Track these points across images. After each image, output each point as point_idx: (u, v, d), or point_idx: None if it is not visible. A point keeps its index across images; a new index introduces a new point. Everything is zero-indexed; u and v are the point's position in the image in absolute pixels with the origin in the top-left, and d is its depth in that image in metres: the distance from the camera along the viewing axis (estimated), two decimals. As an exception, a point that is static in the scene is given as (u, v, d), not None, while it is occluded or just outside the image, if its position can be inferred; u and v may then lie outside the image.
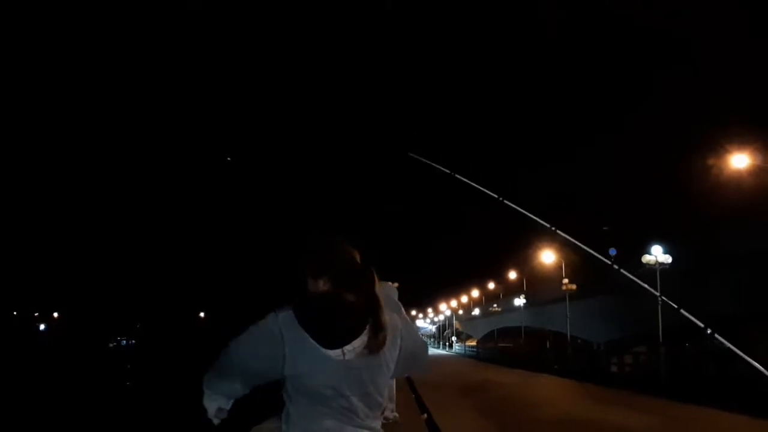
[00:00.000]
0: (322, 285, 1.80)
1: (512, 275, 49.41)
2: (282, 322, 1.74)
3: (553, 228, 2.95)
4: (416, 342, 1.99)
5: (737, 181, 17.93)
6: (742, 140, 17.46)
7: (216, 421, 1.92)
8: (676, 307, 3.48)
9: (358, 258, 1.89)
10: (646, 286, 3.29)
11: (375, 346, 1.77)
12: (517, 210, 3.09)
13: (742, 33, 29.14)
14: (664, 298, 3.53)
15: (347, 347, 1.74)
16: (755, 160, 16.84)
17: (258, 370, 1.79)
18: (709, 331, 2.98)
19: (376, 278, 1.84)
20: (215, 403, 1.90)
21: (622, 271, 3.22)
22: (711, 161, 18.45)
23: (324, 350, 1.72)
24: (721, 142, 17.98)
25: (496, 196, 2.82)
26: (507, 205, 2.98)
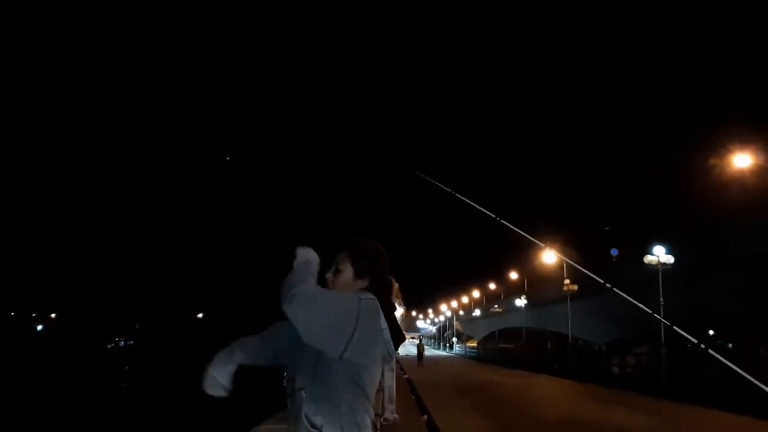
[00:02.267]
0: (361, 284, 1.85)
1: (513, 276, 49.37)
2: (364, 307, 1.72)
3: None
4: None
5: (738, 180, 17.89)
6: (742, 140, 17.43)
7: (217, 391, 1.83)
8: (669, 324, 3.41)
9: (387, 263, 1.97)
10: (640, 305, 3.22)
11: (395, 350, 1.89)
12: (514, 230, 3.08)
13: (742, 33, 29.13)
14: (656, 315, 3.46)
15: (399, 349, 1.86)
16: (756, 159, 16.78)
17: (321, 334, 1.68)
18: (702, 346, 2.92)
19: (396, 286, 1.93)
20: (230, 367, 1.84)
21: (607, 285, 3.16)
22: (712, 161, 18.42)
23: (392, 350, 1.78)
24: (721, 142, 17.95)
25: (493, 215, 2.80)
26: (504, 224, 2.96)
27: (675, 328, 3.20)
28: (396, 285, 1.92)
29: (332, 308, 1.71)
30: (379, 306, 1.76)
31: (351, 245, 1.91)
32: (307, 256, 1.84)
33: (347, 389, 1.70)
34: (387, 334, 1.76)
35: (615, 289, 3.35)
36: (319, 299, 1.72)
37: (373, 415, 1.79)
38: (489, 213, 2.79)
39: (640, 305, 3.07)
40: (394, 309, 1.86)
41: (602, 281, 3.36)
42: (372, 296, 1.77)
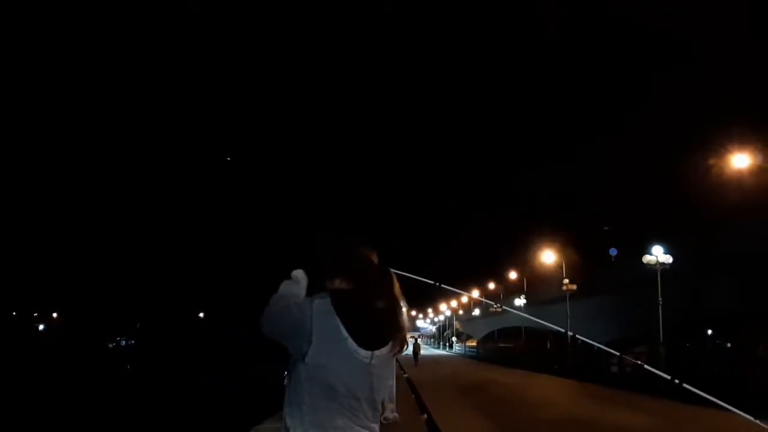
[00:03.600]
0: (338, 284, 1.81)
1: (512, 275, 49.43)
2: (316, 308, 1.72)
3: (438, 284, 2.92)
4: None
5: (737, 181, 17.90)
6: (742, 140, 17.45)
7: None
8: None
9: (375, 258, 1.88)
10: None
11: (397, 349, 1.79)
12: (454, 290, 3.15)
13: (742, 33, 29.15)
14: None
15: (377, 352, 1.74)
16: (755, 159, 16.81)
17: (284, 340, 1.75)
18: (677, 381, 2.93)
19: (395, 279, 1.85)
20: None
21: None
22: (711, 161, 18.42)
23: (355, 348, 1.71)
24: (721, 142, 17.97)
25: (432, 282, 2.86)
26: (445, 288, 3.04)
27: (651, 370, 3.18)
28: (397, 283, 1.85)
29: (282, 314, 1.74)
30: (330, 305, 1.72)
31: (321, 250, 1.93)
32: (296, 277, 1.89)
33: (310, 390, 1.70)
34: (344, 332, 1.70)
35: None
36: (273, 309, 1.76)
37: (355, 415, 1.73)
38: (429, 281, 2.83)
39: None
40: (377, 304, 1.77)
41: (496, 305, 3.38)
42: (324, 295, 1.75)
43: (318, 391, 1.70)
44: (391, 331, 1.78)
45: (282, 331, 1.74)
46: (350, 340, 1.70)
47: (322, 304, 1.73)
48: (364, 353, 1.71)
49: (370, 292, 1.77)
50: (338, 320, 1.70)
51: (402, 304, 1.84)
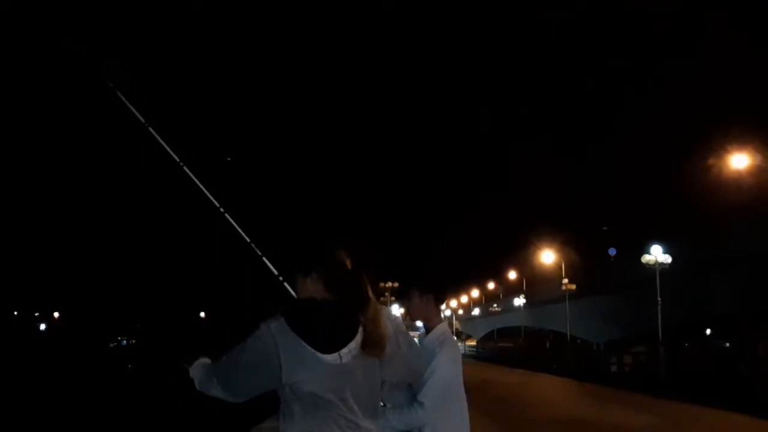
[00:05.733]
0: (311, 284, 1.84)
1: (512, 275, 49.45)
2: (275, 331, 1.74)
3: None
4: (412, 349, 2.02)
5: (737, 181, 17.93)
6: (741, 140, 17.48)
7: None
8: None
9: (346, 256, 1.90)
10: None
11: (371, 344, 1.79)
12: None
13: (742, 33, 29.18)
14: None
15: (343, 350, 1.75)
16: (755, 159, 16.83)
17: (254, 386, 1.80)
18: None
19: (365, 277, 1.87)
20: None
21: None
22: (711, 161, 18.46)
23: (320, 355, 1.73)
24: (720, 142, 18.00)
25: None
26: None
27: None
28: (365, 277, 1.87)
29: (249, 360, 1.76)
30: (284, 321, 1.75)
31: (295, 251, 1.97)
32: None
33: (299, 406, 1.74)
34: (305, 344, 1.72)
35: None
36: (233, 368, 1.80)
37: (346, 418, 1.75)
38: None
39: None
40: (362, 300, 1.81)
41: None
42: (277, 317, 1.77)
43: (302, 404, 1.74)
44: (347, 328, 1.78)
45: (252, 362, 1.75)
46: (313, 350, 1.73)
47: (278, 325, 1.75)
48: (330, 357, 1.73)
49: (331, 293, 1.80)
50: (296, 335, 1.74)
51: (372, 300, 1.85)
